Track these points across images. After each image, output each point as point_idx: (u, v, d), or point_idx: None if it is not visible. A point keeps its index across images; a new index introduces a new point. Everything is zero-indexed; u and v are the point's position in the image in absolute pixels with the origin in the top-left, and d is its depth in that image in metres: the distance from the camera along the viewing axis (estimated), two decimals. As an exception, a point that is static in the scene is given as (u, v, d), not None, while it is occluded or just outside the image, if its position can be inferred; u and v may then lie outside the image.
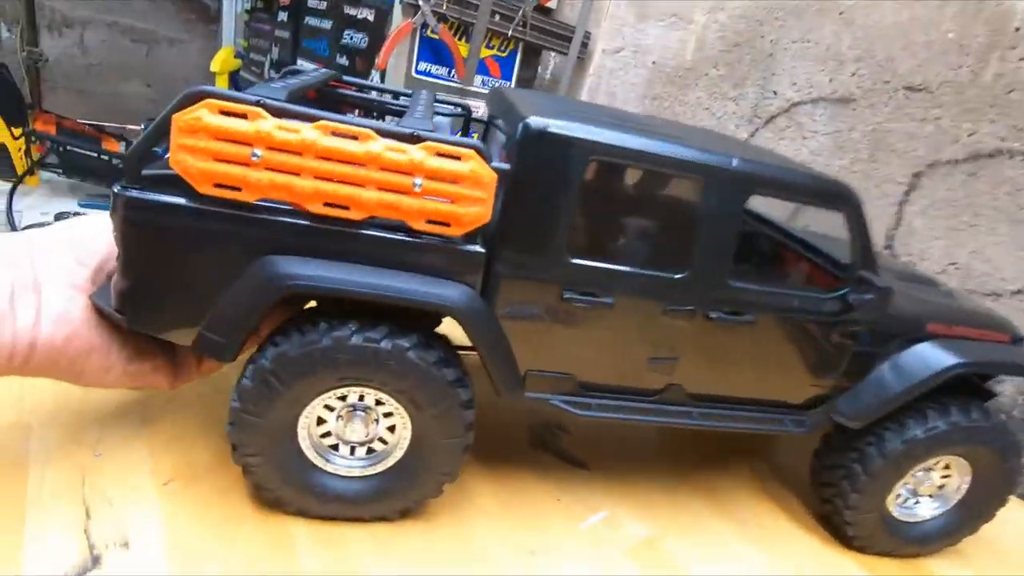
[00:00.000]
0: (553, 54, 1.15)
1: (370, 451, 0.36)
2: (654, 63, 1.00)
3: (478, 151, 0.31)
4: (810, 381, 0.41)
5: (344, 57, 1.11)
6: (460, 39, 0.94)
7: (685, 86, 0.95)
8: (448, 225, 0.31)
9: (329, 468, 0.36)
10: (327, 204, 0.30)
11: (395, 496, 0.37)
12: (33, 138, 1.18)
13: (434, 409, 0.34)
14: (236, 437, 0.33)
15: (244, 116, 0.28)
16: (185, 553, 0.33)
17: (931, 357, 0.40)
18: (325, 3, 1.19)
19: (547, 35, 1.02)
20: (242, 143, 0.28)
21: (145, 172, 0.29)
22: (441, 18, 0.89)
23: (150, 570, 0.31)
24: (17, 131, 1.17)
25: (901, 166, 0.69)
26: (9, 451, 0.37)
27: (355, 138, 0.29)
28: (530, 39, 0.99)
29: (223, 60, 1.47)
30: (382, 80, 0.91)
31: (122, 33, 1.84)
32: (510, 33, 0.96)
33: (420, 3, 0.86)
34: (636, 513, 0.45)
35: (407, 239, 0.32)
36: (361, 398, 0.35)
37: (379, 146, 0.29)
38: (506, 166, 0.32)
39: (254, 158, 0.28)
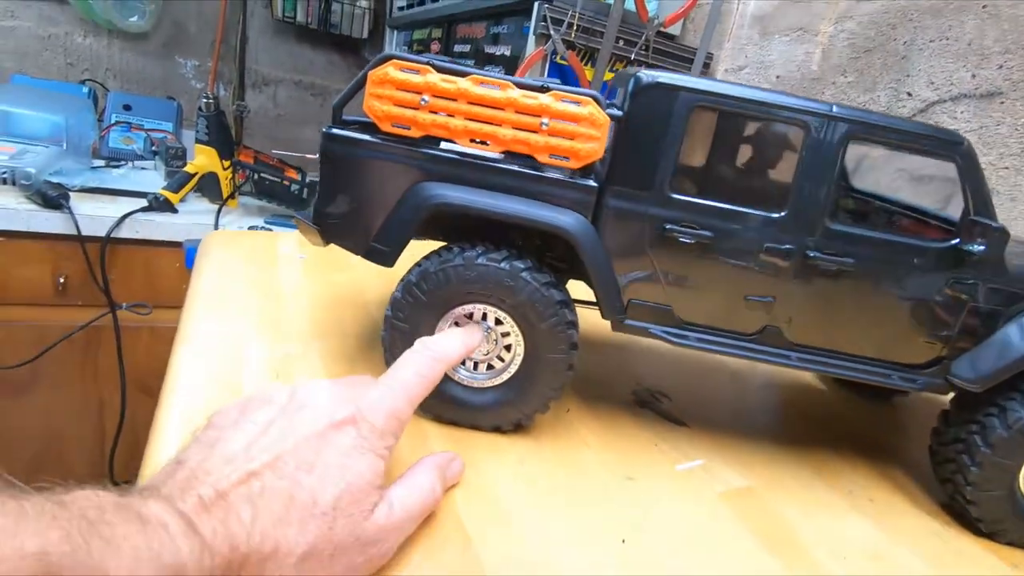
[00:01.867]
0: (675, 78, 1.20)
1: (490, 367, 0.43)
2: (778, 77, 1.01)
3: (595, 99, 0.37)
4: (922, 338, 0.40)
5: (482, 90, 1.26)
6: (586, 64, 1.03)
7: (811, 96, 0.94)
8: (567, 159, 0.38)
9: (456, 378, 0.43)
10: (472, 141, 0.38)
11: (509, 408, 0.42)
12: (237, 168, 1.47)
13: (543, 324, 0.40)
14: (388, 340, 0.41)
15: (417, 71, 0.37)
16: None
17: (1066, 315, 0.38)
18: (469, 46, 1.36)
19: (669, 57, 1.08)
20: (414, 91, 0.37)
21: (344, 118, 0.40)
22: (570, 45, 0.99)
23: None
24: (226, 163, 1.47)
25: (1060, 157, 0.64)
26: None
27: (497, 87, 0.37)
28: (652, 62, 1.06)
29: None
30: (514, 102, 1.03)
31: (305, 89, 2.22)
32: (632, 56, 1.04)
33: (551, 32, 0.97)
34: (735, 468, 0.46)
35: (533, 172, 0.39)
36: (484, 316, 0.41)
37: (516, 93, 0.37)
38: (619, 112, 0.38)
39: (422, 103, 0.37)
